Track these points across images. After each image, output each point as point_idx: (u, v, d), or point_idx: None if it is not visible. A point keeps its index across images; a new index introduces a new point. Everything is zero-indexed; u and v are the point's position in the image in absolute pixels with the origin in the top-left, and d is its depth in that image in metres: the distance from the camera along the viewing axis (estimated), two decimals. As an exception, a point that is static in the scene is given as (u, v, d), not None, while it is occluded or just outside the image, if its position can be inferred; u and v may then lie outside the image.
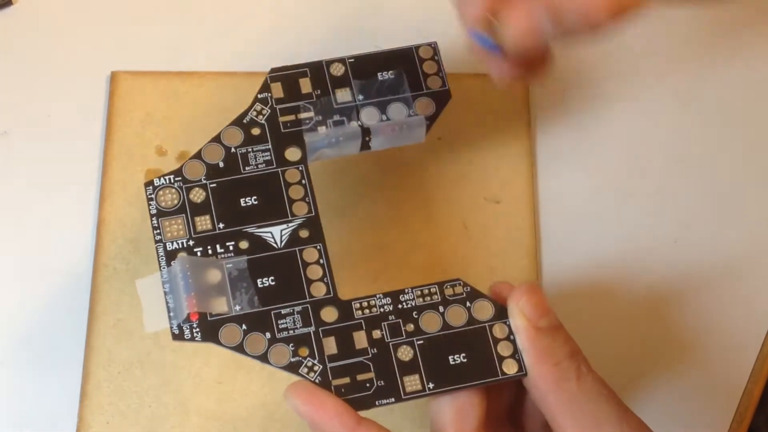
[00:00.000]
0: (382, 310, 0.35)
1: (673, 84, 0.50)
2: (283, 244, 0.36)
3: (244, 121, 0.38)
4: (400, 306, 0.35)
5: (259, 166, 0.37)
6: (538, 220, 0.47)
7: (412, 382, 0.34)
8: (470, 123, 0.48)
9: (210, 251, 0.36)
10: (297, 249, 0.36)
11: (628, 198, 0.48)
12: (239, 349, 0.35)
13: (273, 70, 0.39)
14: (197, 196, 0.37)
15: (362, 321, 0.35)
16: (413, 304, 0.36)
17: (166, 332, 0.43)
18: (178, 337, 0.35)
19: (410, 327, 0.35)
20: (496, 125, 0.48)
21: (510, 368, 0.35)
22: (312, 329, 0.35)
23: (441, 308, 0.36)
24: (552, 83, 0.49)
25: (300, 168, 0.38)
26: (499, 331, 0.35)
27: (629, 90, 0.49)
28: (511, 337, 0.35)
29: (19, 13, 0.49)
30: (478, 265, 0.45)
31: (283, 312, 0.35)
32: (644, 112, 0.49)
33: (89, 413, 0.43)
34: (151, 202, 0.37)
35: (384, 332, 0.35)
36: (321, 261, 0.36)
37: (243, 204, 0.37)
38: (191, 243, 0.36)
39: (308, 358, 0.35)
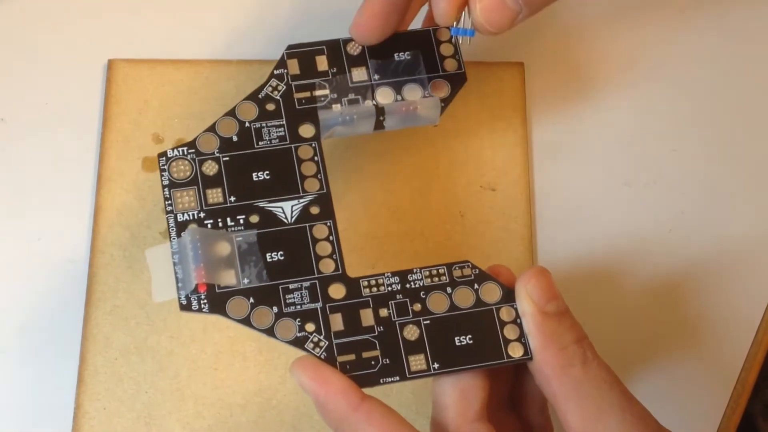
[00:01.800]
0: (389, 288, 0.35)
1: (668, 73, 0.50)
2: (293, 219, 0.36)
3: (260, 96, 0.38)
4: (407, 285, 0.36)
5: (273, 141, 0.37)
6: (534, 208, 0.47)
7: (417, 362, 0.34)
8: (466, 111, 0.48)
9: (220, 224, 0.36)
10: (307, 225, 0.36)
11: (622, 187, 0.48)
12: (246, 322, 0.35)
13: (290, 47, 0.39)
14: (210, 168, 0.37)
15: (370, 299, 0.35)
16: (421, 284, 0.36)
17: (162, 318, 0.44)
18: (186, 307, 0.35)
19: (417, 307, 0.35)
20: (492, 113, 0.48)
21: (515, 351, 0.35)
22: (319, 305, 0.35)
23: (449, 289, 0.36)
24: (548, 72, 0.49)
25: (313, 145, 0.38)
26: (505, 314, 0.35)
27: (625, 79, 0.50)
28: (518, 320, 0.35)
29: (16, 2, 0.49)
30: (474, 253, 0.45)
31: (291, 287, 0.35)
32: (639, 102, 0.49)
33: (86, 399, 0.43)
34: (163, 173, 0.37)
35: (391, 311, 0.35)
36: (330, 238, 0.36)
37: (255, 178, 0.37)
38: (202, 215, 0.36)
39: (314, 334, 0.35)
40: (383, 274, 0.36)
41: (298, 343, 0.34)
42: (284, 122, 0.38)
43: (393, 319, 0.35)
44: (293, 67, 0.39)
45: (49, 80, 0.48)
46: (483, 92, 0.48)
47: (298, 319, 0.35)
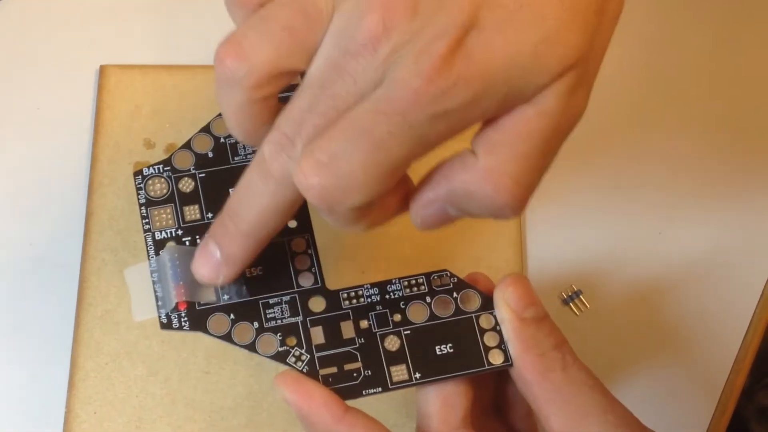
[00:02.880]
0: (369, 300, 0.36)
1: (659, 76, 0.50)
2: None
3: None
4: (387, 296, 0.36)
5: (249, 156, 0.37)
6: (524, 212, 0.47)
7: (398, 372, 0.35)
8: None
9: (199, 240, 0.36)
10: (285, 239, 0.36)
11: (613, 190, 0.48)
12: (227, 338, 0.35)
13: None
14: (186, 185, 0.37)
15: (350, 311, 0.35)
16: (400, 294, 0.36)
17: (153, 323, 0.44)
18: (167, 326, 0.35)
19: (397, 317, 0.35)
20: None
21: (496, 358, 0.35)
22: (300, 319, 0.35)
23: (428, 299, 0.36)
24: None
25: None
26: (485, 321, 0.35)
27: (615, 82, 0.50)
28: (497, 327, 0.35)
29: (8, 7, 0.49)
30: (464, 257, 0.46)
31: (271, 302, 0.35)
32: (630, 104, 0.49)
33: (77, 403, 0.43)
34: (140, 192, 0.37)
35: (371, 322, 0.35)
36: (309, 251, 0.36)
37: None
38: (180, 232, 0.36)
39: (296, 348, 0.35)
40: (362, 286, 0.36)
41: (280, 357, 0.35)
42: None
43: (373, 331, 0.35)
44: None
45: (41, 86, 0.48)
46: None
47: (279, 334, 0.35)
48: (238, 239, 0.32)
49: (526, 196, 0.30)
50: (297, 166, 0.28)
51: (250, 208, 0.31)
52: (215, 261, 0.33)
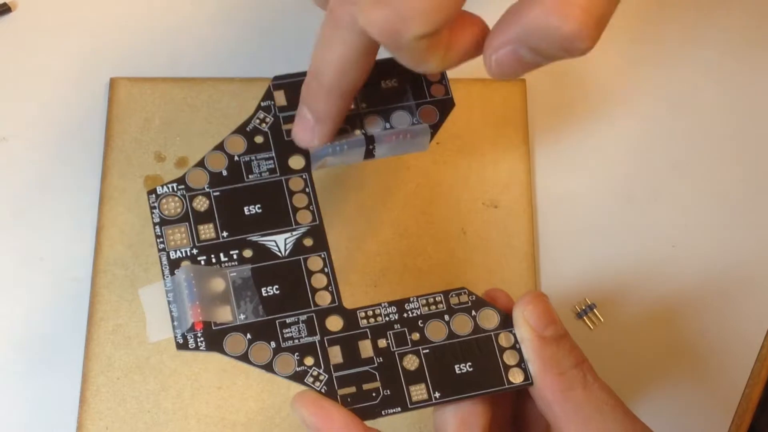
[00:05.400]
0: (387, 318, 0.35)
1: (670, 89, 0.50)
2: (287, 252, 0.36)
3: (247, 129, 0.38)
4: (405, 315, 0.35)
5: (263, 174, 0.37)
6: (536, 225, 0.47)
7: (418, 392, 0.34)
8: (468, 128, 0.48)
9: (214, 260, 0.36)
10: (301, 258, 0.36)
11: (625, 203, 0.48)
12: (244, 358, 0.34)
13: (276, 78, 0.39)
14: (201, 204, 0.37)
15: (368, 330, 0.35)
16: (419, 312, 0.35)
17: (167, 339, 0.43)
18: (183, 346, 0.34)
19: (416, 336, 0.35)
20: (494, 130, 0.48)
21: (516, 377, 0.35)
22: (317, 338, 0.35)
23: (446, 317, 0.35)
24: (550, 89, 0.49)
25: (304, 176, 0.37)
26: (504, 339, 0.35)
27: (626, 95, 0.50)
28: (517, 345, 0.35)
29: (19, 20, 0.48)
30: (476, 270, 0.45)
31: (288, 321, 0.35)
32: (642, 118, 0.49)
33: (88, 419, 0.43)
34: (154, 211, 0.36)
35: (389, 341, 0.35)
36: (325, 270, 0.36)
37: (247, 212, 0.37)
38: (195, 252, 0.36)
39: (314, 368, 0.34)
40: (380, 304, 0.35)
41: (298, 377, 0.34)
42: (273, 154, 0.38)
43: (392, 350, 0.35)
44: (280, 98, 0.38)
45: (51, 99, 0.48)
46: (485, 109, 0.48)
47: (297, 354, 0.34)
48: (324, 95, 0.35)
49: (596, 25, 0.30)
50: (360, 7, 0.30)
51: (329, 62, 0.33)
52: (309, 123, 0.36)
